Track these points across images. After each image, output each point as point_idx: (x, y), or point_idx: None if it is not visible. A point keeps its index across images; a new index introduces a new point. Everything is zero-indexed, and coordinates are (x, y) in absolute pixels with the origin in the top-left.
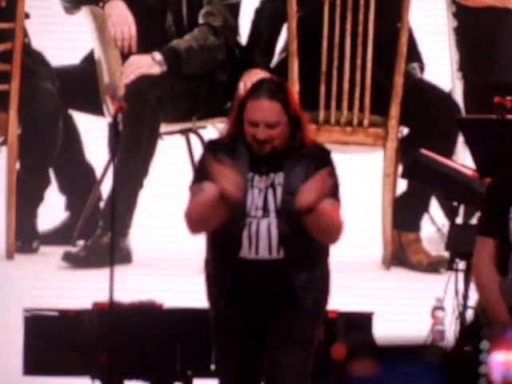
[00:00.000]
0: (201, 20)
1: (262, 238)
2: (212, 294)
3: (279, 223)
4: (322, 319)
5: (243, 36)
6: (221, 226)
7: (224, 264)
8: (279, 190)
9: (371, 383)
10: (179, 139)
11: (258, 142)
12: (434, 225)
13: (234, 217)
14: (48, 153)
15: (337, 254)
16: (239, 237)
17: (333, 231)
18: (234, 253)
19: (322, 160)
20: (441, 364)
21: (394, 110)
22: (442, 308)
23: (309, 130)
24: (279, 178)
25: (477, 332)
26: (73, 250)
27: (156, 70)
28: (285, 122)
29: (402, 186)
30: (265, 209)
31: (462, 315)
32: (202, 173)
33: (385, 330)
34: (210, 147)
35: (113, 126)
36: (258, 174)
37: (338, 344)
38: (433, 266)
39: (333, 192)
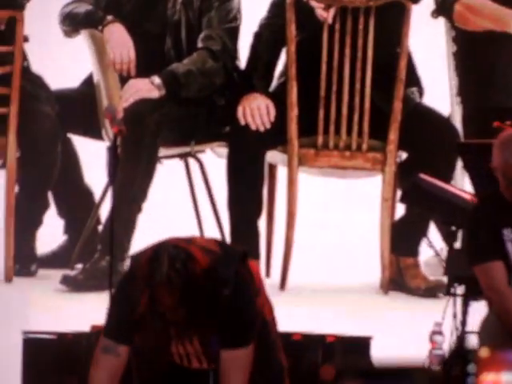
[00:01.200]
0: (200, 44)
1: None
2: None
3: None
4: None
5: (242, 60)
6: None
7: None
8: None
9: None
10: (178, 163)
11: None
12: (432, 249)
13: None
14: (47, 176)
15: (335, 278)
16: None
17: None
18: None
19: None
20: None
21: (393, 135)
22: (440, 332)
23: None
24: None
25: (464, 355)
26: (71, 273)
27: (155, 93)
28: None
29: (401, 210)
30: None
31: (460, 340)
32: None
33: (383, 354)
34: None
35: (112, 150)
36: None
37: (327, 366)
38: (431, 291)
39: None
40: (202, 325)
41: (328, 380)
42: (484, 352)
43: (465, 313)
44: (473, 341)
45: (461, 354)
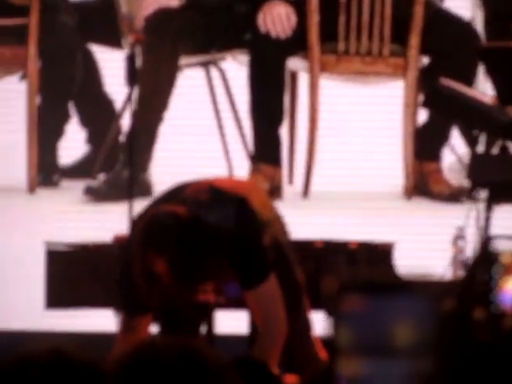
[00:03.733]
0: None
1: None
2: None
3: None
4: None
5: None
6: None
7: None
8: None
9: (362, 318)
10: (199, 71)
11: None
12: (455, 154)
13: None
14: (68, 86)
15: (358, 185)
16: None
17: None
18: None
19: None
20: (432, 298)
21: (414, 40)
22: (463, 237)
23: None
24: None
25: (488, 259)
26: (94, 183)
27: (174, 2)
28: None
29: (423, 116)
30: None
31: (483, 244)
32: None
33: (405, 260)
34: None
35: (130, 59)
36: None
37: (329, 278)
38: (454, 196)
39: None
40: (206, 278)
41: (329, 293)
42: (507, 257)
43: (488, 217)
44: (497, 245)
45: (485, 258)
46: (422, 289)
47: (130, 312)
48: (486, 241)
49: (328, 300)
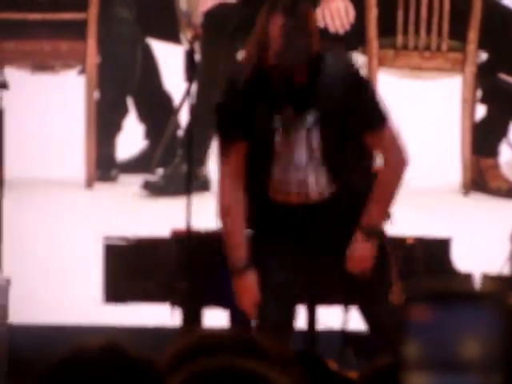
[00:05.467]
0: None
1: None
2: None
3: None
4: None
5: None
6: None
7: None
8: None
9: (429, 330)
10: None
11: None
12: None
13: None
14: (127, 82)
15: (416, 179)
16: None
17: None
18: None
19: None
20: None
21: (473, 35)
22: None
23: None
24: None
25: None
26: (152, 178)
27: None
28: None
29: (481, 111)
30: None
31: None
32: (227, 123)
33: (463, 256)
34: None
35: (189, 54)
36: (285, 113)
37: (397, 288)
38: None
39: (377, 117)
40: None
41: (397, 303)
42: None
43: None
44: None
45: None
46: (492, 299)
47: (229, 138)
48: None
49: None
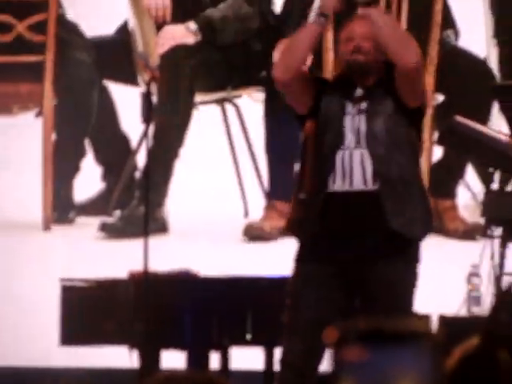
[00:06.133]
0: None
1: (356, 169)
2: (299, 224)
3: (372, 153)
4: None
5: (277, 4)
6: (316, 156)
7: (317, 196)
8: (370, 118)
9: (363, 368)
10: (215, 109)
11: (353, 52)
12: (469, 192)
13: (328, 147)
14: (84, 123)
15: None
16: (333, 169)
17: (406, 39)
18: (327, 185)
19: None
20: (432, 350)
21: (430, 78)
22: (477, 274)
23: None
24: (369, 105)
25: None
26: (109, 220)
27: (190, 39)
28: (378, 45)
29: (438, 153)
30: (356, 138)
31: (497, 281)
32: None
33: (421, 297)
34: None
35: (145, 96)
36: (351, 100)
37: (331, 328)
38: (469, 233)
39: None
40: None
41: (331, 343)
42: None
43: (502, 255)
44: None
45: (508, 299)
46: (424, 338)
47: None
48: (499, 278)
49: (330, 350)
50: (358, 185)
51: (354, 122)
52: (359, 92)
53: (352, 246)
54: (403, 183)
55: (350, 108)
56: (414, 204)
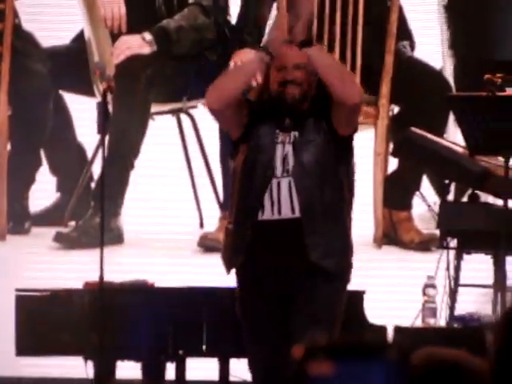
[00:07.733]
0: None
1: (284, 198)
2: (229, 253)
3: (297, 184)
4: (346, 281)
5: (233, 15)
6: (245, 185)
7: (245, 225)
8: (299, 148)
9: (329, 382)
10: (170, 119)
11: (284, 83)
12: (425, 203)
13: (257, 176)
14: (39, 134)
15: None
16: (261, 198)
17: (345, 73)
18: (256, 214)
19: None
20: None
21: (385, 89)
22: (433, 286)
23: None
24: (299, 134)
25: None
26: (64, 230)
27: (146, 50)
28: (310, 70)
29: (393, 164)
30: (284, 167)
31: (452, 293)
32: None
33: (376, 308)
34: None
35: (101, 106)
36: (281, 129)
37: (297, 345)
38: (424, 244)
39: None
40: None
41: (297, 359)
42: None
43: (458, 266)
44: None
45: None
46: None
47: None
48: (454, 290)
49: (296, 365)
50: (286, 213)
51: (283, 151)
52: (288, 123)
53: (276, 279)
54: (325, 216)
55: (280, 137)
56: (333, 238)
